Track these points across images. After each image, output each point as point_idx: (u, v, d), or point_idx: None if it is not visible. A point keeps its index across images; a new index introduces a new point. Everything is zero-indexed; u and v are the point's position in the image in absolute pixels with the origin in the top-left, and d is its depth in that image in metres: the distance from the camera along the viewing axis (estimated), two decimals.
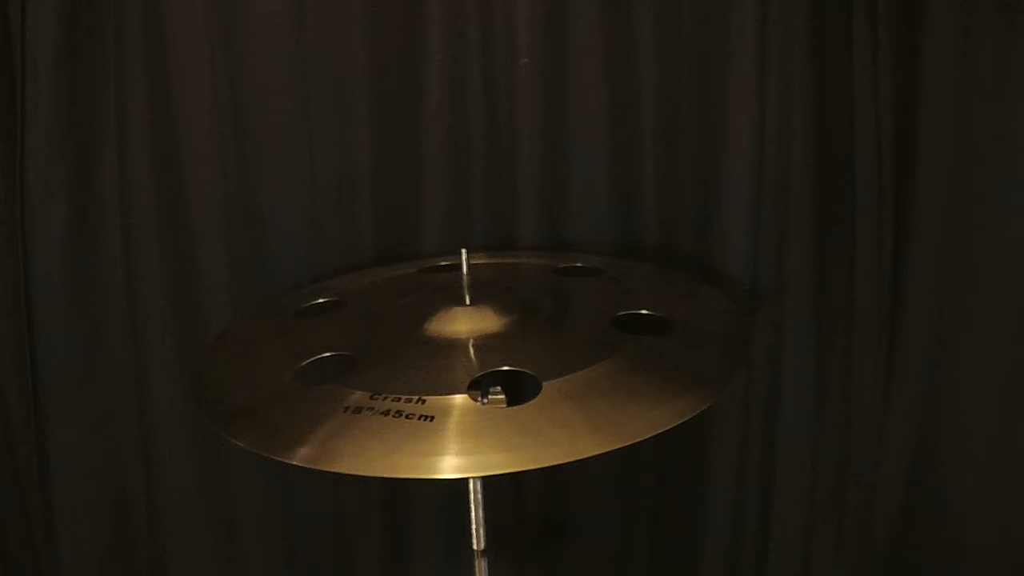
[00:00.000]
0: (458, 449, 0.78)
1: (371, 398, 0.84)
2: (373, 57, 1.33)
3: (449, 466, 0.77)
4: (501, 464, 0.76)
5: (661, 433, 0.81)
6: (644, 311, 1.01)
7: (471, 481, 1.03)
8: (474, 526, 1.04)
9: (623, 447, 0.79)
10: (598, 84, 1.35)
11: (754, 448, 1.47)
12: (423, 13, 1.31)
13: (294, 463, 0.79)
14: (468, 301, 1.02)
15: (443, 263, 1.23)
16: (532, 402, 0.83)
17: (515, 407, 0.83)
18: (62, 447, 1.37)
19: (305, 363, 0.95)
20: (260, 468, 1.41)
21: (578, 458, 0.76)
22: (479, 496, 1.03)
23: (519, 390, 0.89)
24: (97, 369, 1.37)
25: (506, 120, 1.36)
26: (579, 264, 1.22)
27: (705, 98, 1.37)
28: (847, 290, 1.43)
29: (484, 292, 1.04)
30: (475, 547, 1.04)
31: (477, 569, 1.05)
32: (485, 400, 0.86)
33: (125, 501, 1.42)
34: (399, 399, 0.83)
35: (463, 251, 1.04)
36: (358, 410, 0.83)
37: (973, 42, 1.32)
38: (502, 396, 0.89)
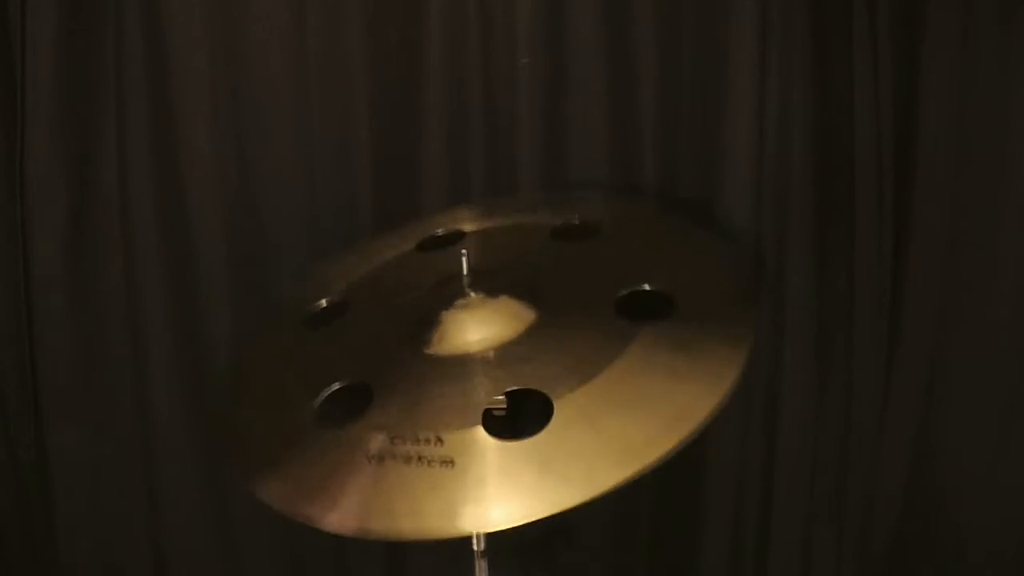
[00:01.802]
0: (479, 497, 0.81)
1: (391, 441, 0.86)
2: (373, 57, 1.33)
3: (473, 521, 0.80)
4: (523, 514, 0.78)
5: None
6: (646, 286, 1.01)
7: None
8: None
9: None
10: (598, 84, 1.35)
11: (754, 448, 1.47)
12: (423, 13, 1.31)
13: (327, 529, 0.82)
14: (472, 304, 1.02)
15: (439, 232, 1.22)
16: (546, 430, 0.83)
17: (529, 439, 0.83)
18: (62, 447, 1.37)
19: (321, 398, 0.95)
20: None
21: (597, 493, 0.77)
22: None
23: (525, 397, 0.89)
24: (97, 369, 1.37)
25: (506, 120, 1.36)
26: (576, 221, 1.20)
27: (705, 98, 1.37)
28: (847, 290, 1.43)
29: (486, 285, 1.03)
30: (475, 547, 1.04)
31: (477, 569, 1.05)
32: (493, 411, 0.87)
33: (125, 501, 1.42)
34: (418, 441, 0.85)
35: (464, 252, 1.04)
36: (380, 459, 0.84)
37: (973, 42, 1.32)
38: (502, 398, 0.89)
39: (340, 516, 0.82)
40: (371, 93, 1.34)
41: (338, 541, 1.47)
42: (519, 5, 1.32)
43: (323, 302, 1.14)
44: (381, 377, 0.96)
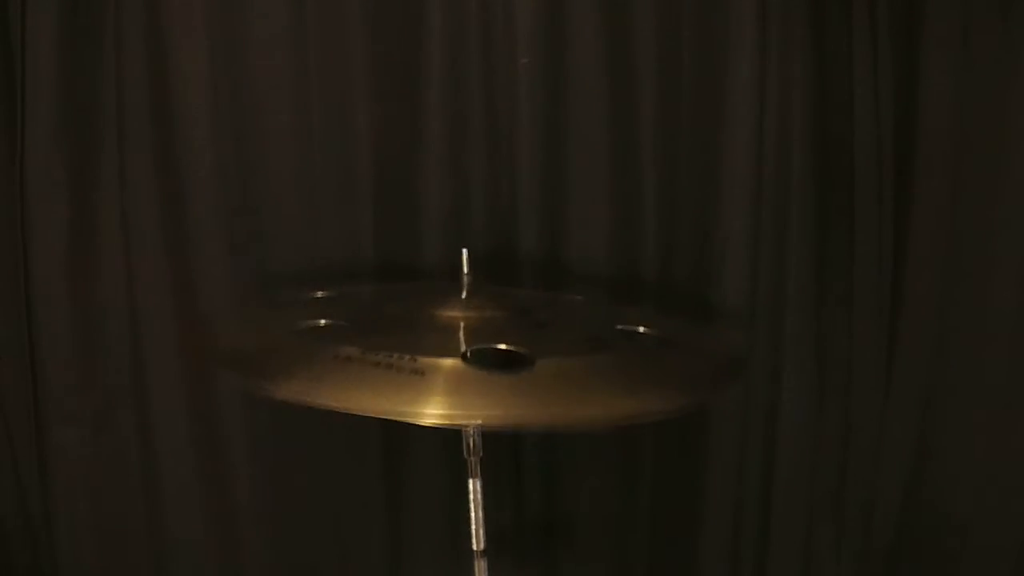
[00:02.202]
0: (444, 401, 0.80)
1: (363, 353, 0.85)
2: (373, 57, 1.33)
3: (434, 412, 0.78)
4: (489, 416, 0.79)
5: (659, 428, 0.83)
6: (642, 329, 1.02)
7: (471, 481, 1.03)
8: (474, 526, 1.04)
9: (620, 435, 0.81)
10: (598, 84, 1.35)
11: (754, 448, 1.47)
12: (423, 13, 1.31)
13: (280, 396, 0.81)
14: (469, 295, 1.03)
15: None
16: (524, 373, 0.84)
17: (503, 375, 0.84)
18: (62, 447, 1.37)
19: (303, 325, 0.96)
20: (261, 468, 1.42)
21: (567, 421, 0.77)
22: (479, 496, 1.03)
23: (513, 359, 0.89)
24: (97, 369, 1.37)
25: (506, 120, 1.36)
26: (579, 298, 1.23)
27: (705, 99, 1.37)
28: (847, 290, 1.44)
29: (485, 289, 1.04)
30: (475, 547, 1.04)
31: (477, 569, 1.05)
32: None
33: (125, 501, 1.42)
34: (391, 355, 0.84)
35: (464, 251, 1.05)
36: (348, 359, 0.84)
37: (973, 42, 1.32)
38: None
39: (292, 386, 0.82)
40: (371, 93, 1.34)
41: (339, 541, 1.47)
42: (519, 5, 1.32)
43: (319, 293, 1.15)
44: (368, 322, 0.97)
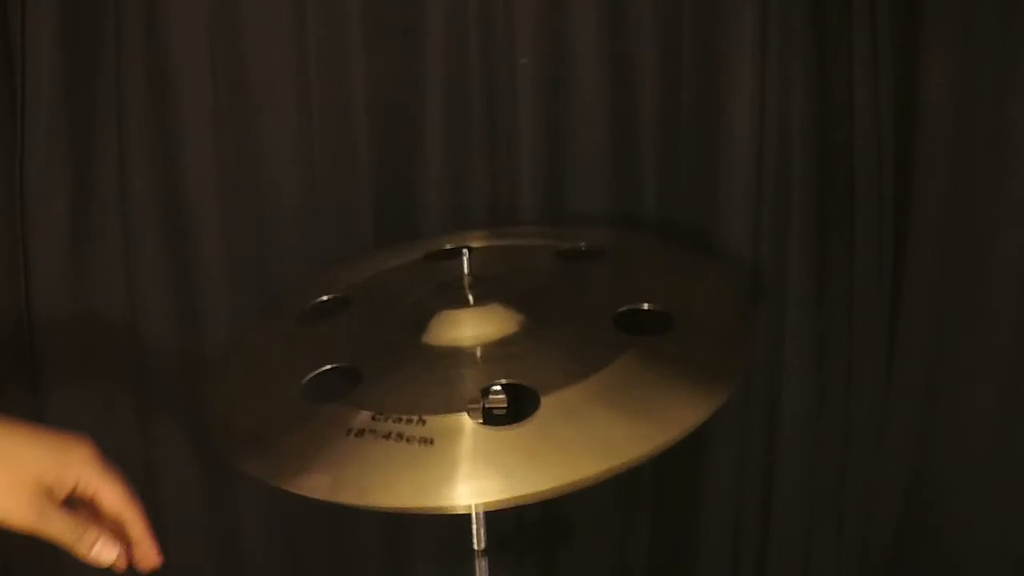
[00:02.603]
0: (454, 476, 0.81)
1: (373, 419, 0.86)
2: (373, 57, 1.33)
3: (445, 497, 0.80)
4: (497, 495, 0.79)
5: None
6: (646, 305, 1.01)
7: None
8: (474, 526, 1.04)
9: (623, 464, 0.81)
10: (598, 84, 1.35)
11: (754, 448, 1.47)
12: (423, 12, 1.31)
13: (302, 494, 0.83)
14: (471, 302, 1.02)
15: (448, 247, 1.23)
16: (530, 420, 0.84)
17: (512, 427, 0.84)
18: None
19: (309, 377, 0.96)
20: None
21: (576, 482, 0.78)
22: None
23: (519, 393, 0.89)
24: (97, 369, 1.37)
25: (506, 120, 1.36)
26: (582, 244, 1.21)
27: (705, 98, 1.37)
28: (847, 290, 1.44)
29: (486, 290, 1.04)
30: (475, 547, 1.04)
31: (477, 569, 1.05)
32: (485, 403, 0.87)
33: None
34: (400, 419, 0.85)
35: (464, 252, 1.04)
36: (360, 433, 0.85)
37: (973, 42, 1.32)
38: (503, 396, 0.89)
39: (312, 483, 0.83)
40: (371, 93, 1.34)
41: (339, 540, 1.47)
42: (519, 5, 1.32)
43: (323, 297, 1.14)
44: (371, 363, 0.97)
